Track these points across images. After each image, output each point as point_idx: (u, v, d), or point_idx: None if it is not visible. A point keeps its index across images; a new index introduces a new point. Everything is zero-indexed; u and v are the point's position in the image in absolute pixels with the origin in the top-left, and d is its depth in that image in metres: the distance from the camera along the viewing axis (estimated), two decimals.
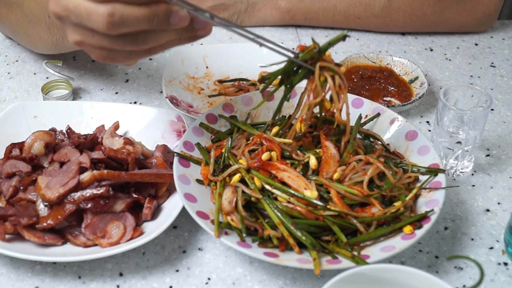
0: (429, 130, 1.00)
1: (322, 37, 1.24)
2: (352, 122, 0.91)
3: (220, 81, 1.09)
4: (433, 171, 0.81)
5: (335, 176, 0.78)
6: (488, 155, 0.96)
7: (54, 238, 0.77)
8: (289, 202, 0.75)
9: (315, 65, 0.76)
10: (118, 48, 0.69)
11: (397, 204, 0.77)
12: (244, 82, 1.08)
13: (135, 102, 1.06)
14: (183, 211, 0.78)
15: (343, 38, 0.75)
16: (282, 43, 1.19)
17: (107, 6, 0.64)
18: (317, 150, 0.81)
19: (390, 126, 0.90)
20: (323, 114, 0.85)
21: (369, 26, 1.24)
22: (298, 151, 0.81)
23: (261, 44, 0.74)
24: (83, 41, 0.69)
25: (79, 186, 0.77)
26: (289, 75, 0.77)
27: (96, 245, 0.77)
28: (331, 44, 0.76)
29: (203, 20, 0.70)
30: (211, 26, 0.71)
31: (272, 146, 0.81)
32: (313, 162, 0.79)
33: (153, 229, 0.78)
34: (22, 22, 1.02)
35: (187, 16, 0.68)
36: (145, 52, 0.71)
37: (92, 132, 0.92)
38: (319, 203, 0.74)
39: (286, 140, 0.81)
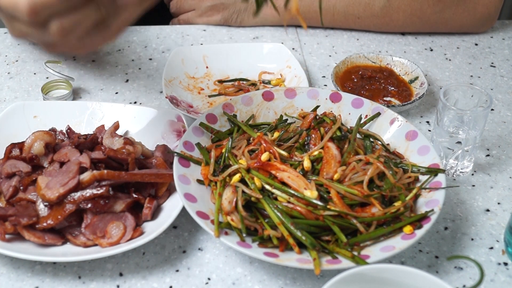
0: (429, 130, 1.00)
1: (322, 37, 1.24)
2: (352, 123, 0.91)
3: (220, 81, 1.09)
4: (433, 171, 0.81)
5: (336, 176, 0.78)
6: (488, 155, 0.96)
7: (54, 238, 0.77)
8: (289, 202, 0.75)
9: None
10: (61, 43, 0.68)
11: (397, 204, 0.77)
12: (244, 82, 1.08)
13: (135, 102, 1.06)
14: (183, 211, 0.78)
15: None
16: (282, 43, 1.19)
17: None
18: (319, 150, 0.81)
19: (390, 126, 0.90)
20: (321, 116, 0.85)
21: (369, 26, 1.24)
22: (297, 152, 0.82)
23: None
24: (22, 35, 0.69)
25: (79, 186, 0.77)
26: None
27: (96, 245, 0.77)
28: None
29: None
30: None
31: (270, 148, 0.81)
32: (306, 164, 0.79)
33: (153, 229, 0.78)
34: None
35: None
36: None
37: (92, 132, 0.92)
38: (319, 203, 0.74)
39: (284, 153, 0.81)
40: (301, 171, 0.79)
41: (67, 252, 0.76)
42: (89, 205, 0.77)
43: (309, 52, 1.20)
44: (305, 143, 0.83)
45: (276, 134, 0.85)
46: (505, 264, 0.79)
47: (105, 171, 0.79)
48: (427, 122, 1.03)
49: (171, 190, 0.84)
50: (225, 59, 1.12)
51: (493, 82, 1.13)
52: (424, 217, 0.75)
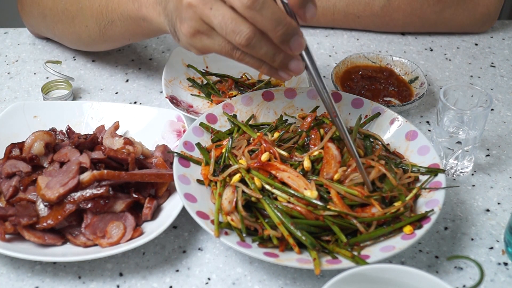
0: (429, 130, 1.00)
1: (322, 37, 1.24)
2: (352, 123, 0.91)
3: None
4: (433, 171, 0.81)
5: (336, 176, 0.78)
6: (488, 155, 0.96)
7: (54, 238, 0.77)
8: (289, 202, 0.75)
9: None
10: (232, 54, 0.75)
11: (397, 204, 0.77)
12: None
13: (135, 102, 1.06)
14: (183, 211, 0.78)
15: None
16: None
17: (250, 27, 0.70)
18: (319, 151, 0.81)
19: (390, 126, 0.90)
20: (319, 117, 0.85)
21: (369, 26, 1.24)
22: (297, 153, 0.82)
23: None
24: (198, 31, 0.73)
25: (79, 186, 0.77)
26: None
27: (96, 245, 0.77)
28: None
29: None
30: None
31: (270, 148, 0.81)
32: (306, 164, 0.79)
33: (153, 229, 0.78)
34: (71, 9, 1.02)
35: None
36: None
37: (92, 132, 0.92)
38: (319, 203, 0.74)
39: (284, 153, 0.81)
40: (301, 171, 0.79)
41: (67, 252, 0.76)
42: (89, 205, 0.77)
43: None
44: (305, 143, 0.83)
45: (276, 135, 0.85)
46: (505, 264, 0.79)
47: (105, 171, 0.79)
48: (427, 122, 1.03)
49: (171, 190, 0.84)
50: (225, 59, 1.12)
51: (493, 82, 1.13)
52: (424, 217, 0.75)
